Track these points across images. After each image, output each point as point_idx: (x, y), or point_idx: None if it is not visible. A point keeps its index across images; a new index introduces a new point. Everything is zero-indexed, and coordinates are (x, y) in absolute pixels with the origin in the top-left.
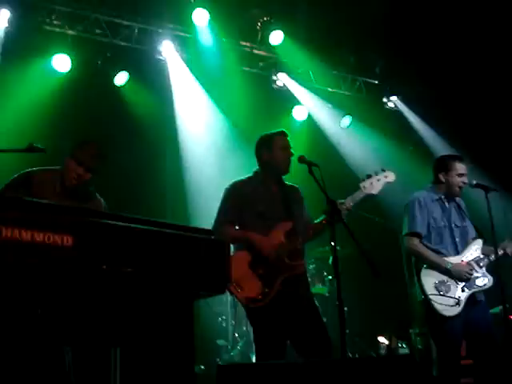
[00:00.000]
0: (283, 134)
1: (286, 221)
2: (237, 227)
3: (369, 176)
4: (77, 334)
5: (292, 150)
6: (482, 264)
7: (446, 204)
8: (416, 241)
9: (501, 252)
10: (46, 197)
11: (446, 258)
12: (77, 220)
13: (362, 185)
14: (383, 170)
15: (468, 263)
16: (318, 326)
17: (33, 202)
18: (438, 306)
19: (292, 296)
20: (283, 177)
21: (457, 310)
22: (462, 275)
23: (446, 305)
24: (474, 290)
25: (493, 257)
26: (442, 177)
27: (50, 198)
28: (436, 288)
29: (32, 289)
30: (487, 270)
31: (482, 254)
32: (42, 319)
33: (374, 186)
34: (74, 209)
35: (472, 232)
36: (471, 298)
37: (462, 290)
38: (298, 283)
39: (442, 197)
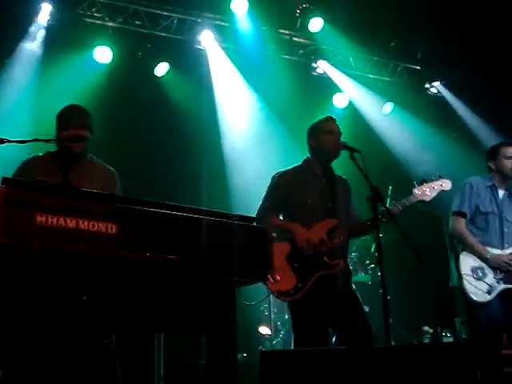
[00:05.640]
0: (329, 119)
1: (331, 217)
2: (281, 217)
3: (423, 181)
4: (121, 321)
5: (341, 135)
6: None
7: (500, 194)
8: (462, 222)
9: None
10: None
11: (487, 248)
12: (120, 207)
13: (415, 191)
14: (440, 177)
15: (509, 254)
16: (358, 317)
17: (77, 190)
18: (469, 288)
19: (327, 294)
20: (333, 167)
21: (487, 297)
22: (500, 265)
23: (477, 289)
24: (508, 286)
25: None
26: (491, 164)
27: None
28: (472, 271)
29: (77, 276)
30: None
31: None
32: (87, 306)
33: (428, 193)
34: (117, 197)
35: None
36: (510, 291)
37: (497, 282)
38: (335, 281)
39: (496, 184)
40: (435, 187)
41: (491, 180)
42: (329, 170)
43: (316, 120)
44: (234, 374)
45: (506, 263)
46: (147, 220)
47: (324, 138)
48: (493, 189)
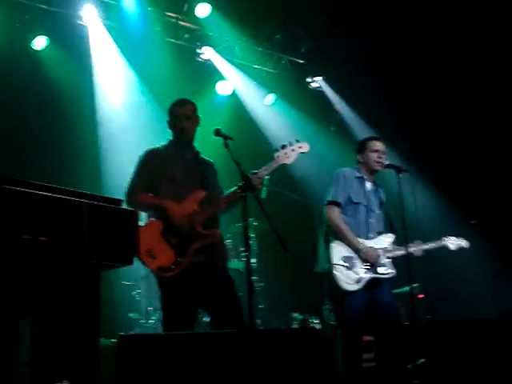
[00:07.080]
0: (182, 102)
1: (200, 189)
2: (150, 194)
3: (283, 146)
4: None
5: (189, 118)
6: (388, 255)
7: (367, 185)
8: (337, 211)
9: (409, 250)
10: None
11: (359, 239)
12: None
13: (276, 155)
14: (297, 141)
15: (377, 250)
16: (230, 297)
17: None
18: (339, 277)
19: (207, 265)
20: (200, 150)
21: (356, 286)
22: (369, 259)
23: (347, 278)
24: (375, 276)
25: (399, 253)
26: (359, 157)
27: None
28: (343, 260)
29: None
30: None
31: (392, 247)
32: None
33: (289, 155)
34: None
35: (383, 223)
36: (374, 280)
37: (365, 272)
38: (213, 252)
39: (365, 177)
40: (294, 150)
41: (359, 172)
42: (193, 150)
43: (172, 102)
44: (96, 359)
45: (375, 258)
46: (7, 198)
47: (176, 122)
48: (361, 180)
